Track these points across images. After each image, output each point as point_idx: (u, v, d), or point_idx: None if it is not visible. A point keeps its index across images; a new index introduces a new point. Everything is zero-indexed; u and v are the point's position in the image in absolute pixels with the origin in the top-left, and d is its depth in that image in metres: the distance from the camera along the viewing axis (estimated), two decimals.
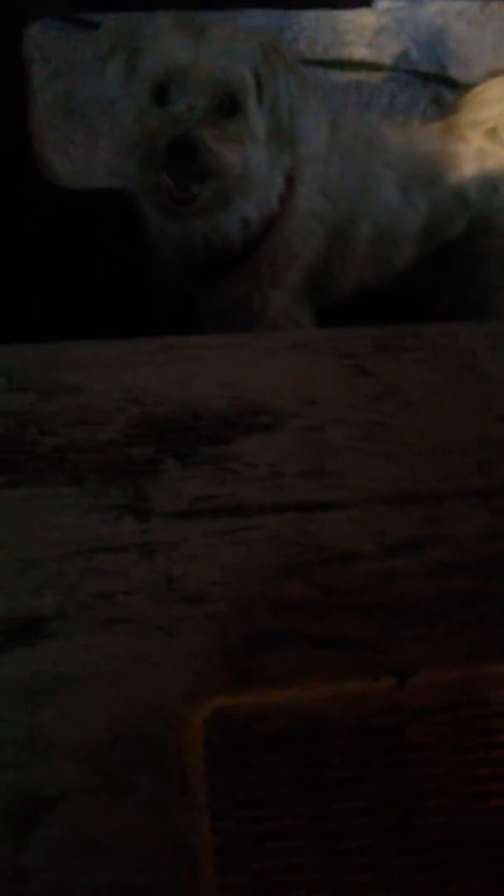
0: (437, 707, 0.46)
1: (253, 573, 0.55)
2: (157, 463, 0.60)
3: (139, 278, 1.45)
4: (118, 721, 0.48)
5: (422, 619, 0.53)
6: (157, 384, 0.64)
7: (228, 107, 0.98)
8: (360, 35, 1.99)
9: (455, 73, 1.92)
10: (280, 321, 1.23)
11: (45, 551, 0.55)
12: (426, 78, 1.85)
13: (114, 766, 0.46)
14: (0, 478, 0.58)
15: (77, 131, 1.69)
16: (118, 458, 0.60)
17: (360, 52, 1.94)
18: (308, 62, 1.84)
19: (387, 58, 1.93)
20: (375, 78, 1.88)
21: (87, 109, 1.36)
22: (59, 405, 0.62)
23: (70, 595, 0.53)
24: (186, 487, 0.59)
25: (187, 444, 0.61)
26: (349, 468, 0.61)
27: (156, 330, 1.37)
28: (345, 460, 0.61)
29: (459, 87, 1.83)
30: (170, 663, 0.51)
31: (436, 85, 1.85)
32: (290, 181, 1.11)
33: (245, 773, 0.45)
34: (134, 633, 0.52)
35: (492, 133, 1.27)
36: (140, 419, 0.62)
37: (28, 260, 1.67)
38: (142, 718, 0.48)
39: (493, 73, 1.65)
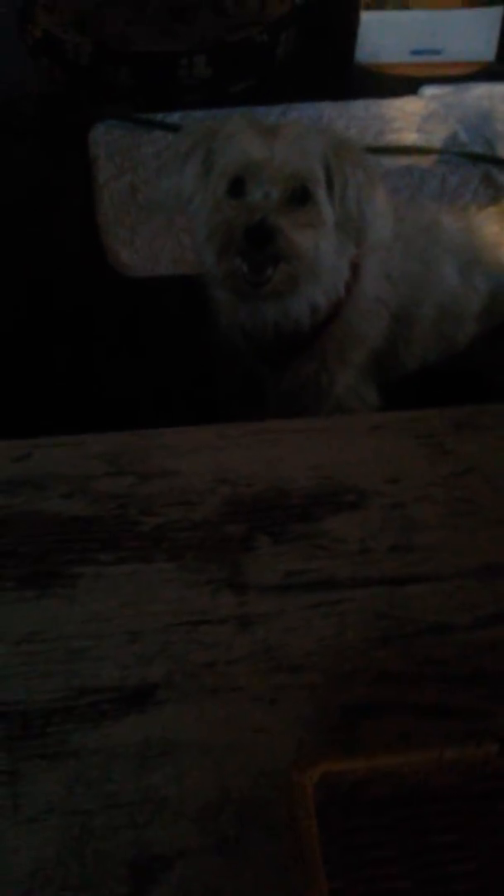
0: None
1: (348, 644, 0.58)
2: (251, 540, 0.64)
3: (204, 361, 1.52)
4: (227, 784, 0.51)
5: None
6: (246, 466, 0.68)
7: (301, 197, 1.05)
8: (409, 122, 2.08)
9: (503, 151, 1.99)
10: (346, 399, 1.27)
11: (151, 624, 0.59)
12: (475, 159, 1.93)
13: (226, 827, 0.49)
14: (106, 555, 0.63)
15: (141, 224, 1.79)
16: (214, 535, 0.64)
17: (409, 138, 2.03)
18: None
19: (436, 141, 2.01)
20: (426, 161, 1.96)
21: (151, 204, 1.45)
22: (156, 487, 0.67)
23: (176, 664, 0.56)
24: (279, 563, 0.62)
25: (278, 522, 0.65)
26: (435, 543, 0.64)
27: (221, 411, 1.43)
28: (431, 536, 0.64)
29: None
30: (273, 730, 0.53)
31: (485, 165, 1.92)
32: (356, 268, 1.17)
33: (353, 837, 0.47)
34: (237, 702, 0.55)
35: None
36: (232, 499, 0.66)
37: (100, 344, 1.76)
38: (249, 782, 0.51)
39: None
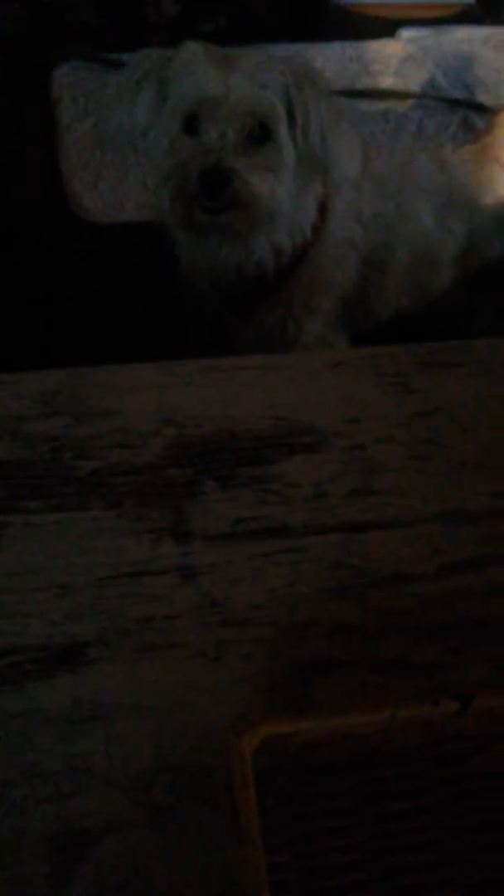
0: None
1: (301, 596, 0.52)
2: (196, 485, 0.58)
3: (171, 310, 1.45)
4: (163, 751, 0.46)
5: (485, 641, 0.50)
6: (195, 406, 0.63)
7: (259, 135, 0.98)
8: (386, 64, 1.99)
9: (483, 97, 1.91)
10: (315, 348, 1.21)
11: (83, 576, 0.53)
12: (454, 103, 1.85)
13: (160, 798, 0.44)
14: (36, 503, 0.57)
15: (106, 167, 1.71)
16: (156, 480, 0.58)
17: (386, 81, 1.94)
18: (336, 92, 1.86)
19: (413, 85, 1.93)
20: (403, 106, 1.87)
21: (116, 145, 1.37)
22: (94, 429, 0.61)
23: (110, 620, 0.51)
24: (227, 509, 0.57)
25: (227, 466, 0.59)
26: (398, 487, 0.58)
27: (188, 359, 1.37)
28: (394, 479, 0.59)
29: (487, 111, 1.83)
30: (216, 690, 0.48)
31: (463, 110, 1.85)
32: (324, 209, 1.11)
33: (300, 806, 0.42)
34: (177, 659, 0.50)
35: None
36: (177, 441, 0.60)
37: (62, 294, 1.69)
38: (188, 748, 0.46)
39: None
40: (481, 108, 1.89)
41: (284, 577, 0.53)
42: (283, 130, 0.98)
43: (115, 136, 1.11)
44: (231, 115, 0.96)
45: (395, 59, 2.04)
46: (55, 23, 2.09)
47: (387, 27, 2.17)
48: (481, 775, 0.43)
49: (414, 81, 1.98)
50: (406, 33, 2.15)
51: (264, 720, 0.42)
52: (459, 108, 1.90)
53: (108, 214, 1.66)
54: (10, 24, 2.18)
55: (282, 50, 2.02)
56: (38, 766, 0.46)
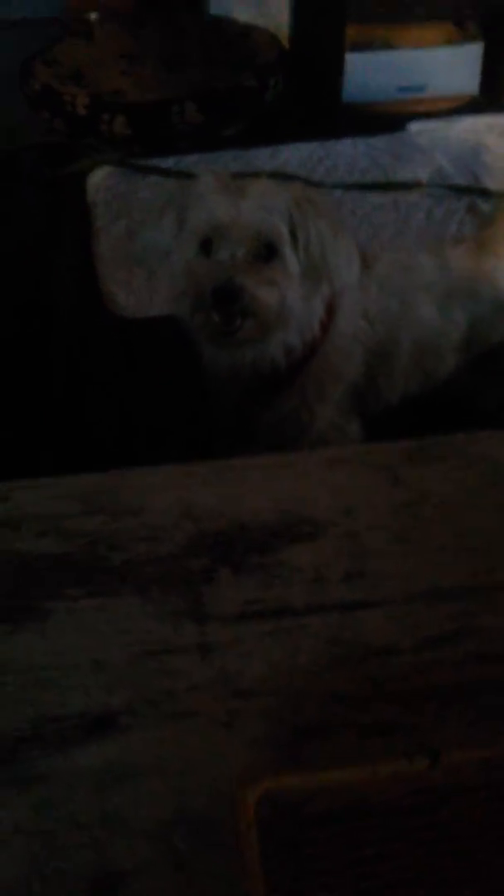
0: (470, 786, 0.51)
1: (301, 669, 0.61)
2: (212, 572, 0.67)
3: (198, 395, 1.57)
4: (183, 804, 0.54)
5: (455, 705, 0.58)
6: (211, 502, 0.72)
7: (266, 253, 1.12)
8: (396, 157, 2.14)
9: (489, 182, 2.04)
10: (328, 432, 1.32)
11: (116, 654, 0.62)
12: (460, 190, 1.98)
13: (180, 845, 0.52)
14: (77, 590, 0.67)
15: (137, 266, 1.85)
16: (177, 568, 0.68)
17: (396, 173, 2.08)
18: (347, 186, 1.99)
19: (422, 175, 2.06)
20: (412, 196, 2.01)
21: (144, 260, 1.51)
22: (125, 524, 0.71)
23: (139, 692, 0.60)
24: (239, 593, 0.66)
25: (238, 554, 0.68)
26: (386, 570, 0.67)
27: (216, 442, 1.48)
28: (382, 563, 0.68)
29: (493, 196, 1.95)
30: (228, 752, 0.57)
31: (470, 196, 1.97)
32: (331, 308, 1.22)
33: (296, 850, 0.50)
34: (196, 726, 0.58)
35: None
36: (196, 534, 0.70)
37: (95, 385, 1.81)
38: (204, 802, 0.54)
39: None
40: (487, 193, 2.02)
41: (287, 652, 0.62)
42: (287, 248, 1.12)
43: (144, 254, 1.25)
44: (241, 238, 1.10)
45: (404, 152, 2.18)
46: (89, 132, 2.28)
47: (396, 122, 2.33)
48: (448, 823, 0.50)
49: (422, 171, 2.12)
50: (414, 126, 2.31)
51: (266, 777, 0.50)
52: (466, 194, 2.03)
53: (139, 310, 1.80)
54: (50, 134, 2.38)
55: (298, 149, 2.19)
56: (78, 817, 0.54)
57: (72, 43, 2.45)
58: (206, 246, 1.11)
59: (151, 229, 1.18)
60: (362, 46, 2.35)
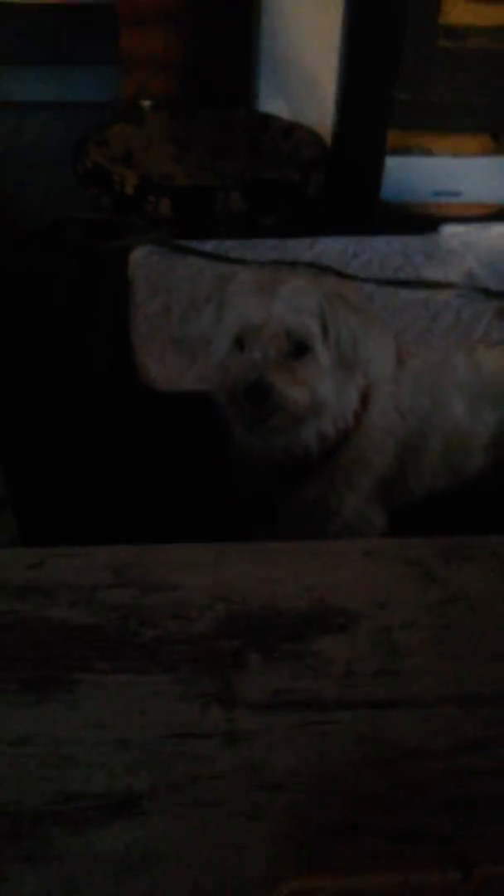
0: None
1: (329, 766, 0.60)
2: (243, 656, 0.67)
3: (222, 475, 1.58)
4: None
5: (488, 816, 0.56)
6: (243, 584, 0.72)
7: (298, 350, 1.15)
8: (428, 257, 2.20)
9: None
10: (354, 521, 1.32)
11: (142, 734, 0.61)
12: (490, 294, 2.02)
13: None
14: (105, 664, 0.66)
15: (172, 341, 1.89)
16: (208, 650, 0.67)
17: (427, 272, 2.14)
18: (380, 282, 2.05)
19: (453, 276, 2.12)
20: (442, 295, 2.06)
21: (185, 346, 1.55)
22: (157, 600, 0.71)
23: (162, 776, 0.59)
24: (269, 681, 0.65)
25: (270, 640, 0.68)
26: (419, 669, 0.66)
27: (235, 524, 1.48)
28: (415, 661, 0.67)
29: None
30: (251, 846, 0.55)
31: (498, 300, 2.02)
32: (365, 398, 1.24)
33: None
34: (219, 817, 0.57)
35: None
36: (227, 615, 0.70)
37: (122, 454, 1.83)
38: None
39: None
40: None
41: (315, 747, 0.61)
42: (318, 345, 1.15)
43: (185, 340, 1.29)
44: (272, 337, 1.13)
45: (436, 253, 2.25)
46: (135, 211, 2.36)
47: (430, 223, 2.40)
48: None
49: (453, 273, 2.18)
50: (448, 229, 2.38)
51: (293, 877, 0.49)
52: (495, 298, 2.08)
53: (171, 383, 1.83)
54: (97, 210, 2.47)
55: (334, 242, 2.25)
56: None
57: (124, 127, 2.57)
58: (241, 342, 1.15)
59: (193, 320, 1.22)
60: (402, 151, 2.45)
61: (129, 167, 2.35)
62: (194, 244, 2.17)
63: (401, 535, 1.36)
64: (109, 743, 0.60)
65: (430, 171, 2.46)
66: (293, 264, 1.98)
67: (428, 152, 2.44)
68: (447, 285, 2.09)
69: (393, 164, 2.43)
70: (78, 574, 0.73)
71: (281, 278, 1.19)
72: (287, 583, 0.73)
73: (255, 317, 1.15)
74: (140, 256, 2.16)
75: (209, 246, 2.16)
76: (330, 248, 2.18)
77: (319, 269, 1.98)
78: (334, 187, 2.45)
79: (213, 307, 1.20)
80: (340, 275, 1.97)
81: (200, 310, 1.22)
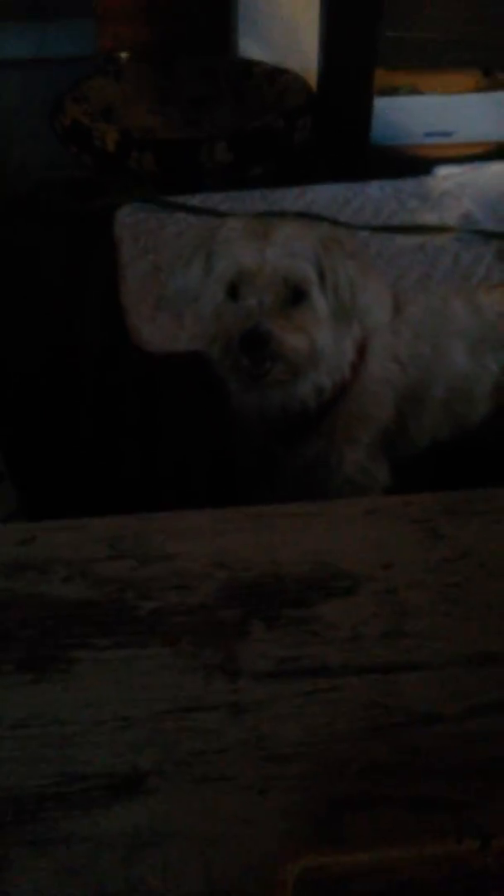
0: None
1: (338, 735, 0.58)
2: (245, 625, 0.65)
3: (222, 435, 1.55)
4: (213, 876, 0.51)
5: None
6: (244, 550, 0.70)
7: (295, 297, 1.10)
8: (423, 201, 2.14)
9: None
10: (356, 477, 1.29)
11: (144, 710, 0.59)
12: (488, 235, 1.97)
13: None
14: (103, 640, 0.64)
15: (163, 301, 1.84)
16: (209, 620, 0.65)
17: (423, 217, 2.08)
18: (374, 229, 1.99)
19: (449, 220, 2.06)
20: (439, 239, 2.00)
21: (173, 305, 1.50)
22: (155, 571, 0.68)
23: (167, 752, 0.57)
24: (273, 649, 0.63)
25: (273, 608, 0.66)
26: (428, 630, 0.64)
27: (241, 482, 1.46)
28: (424, 623, 0.65)
29: None
30: (261, 822, 0.53)
31: (498, 241, 1.96)
32: (362, 350, 1.21)
33: None
34: (226, 792, 0.55)
35: None
36: (228, 583, 0.67)
37: (120, 420, 1.80)
38: (235, 875, 0.51)
39: None
40: None
41: (324, 716, 0.59)
42: (315, 291, 1.10)
43: (173, 299, 1.24)
44: (267, 284, 1.08)
45: (431, 196, 2.19)
46: (118, 169, 2.30)
47: (423, 165, 2.34)
48: None
49: (450, 216, 2.12)
50: (442, 171, 2.31)
51: (305, 854, 0.47)
52: (494, 239, 2.02)
53: (165, 344, 1.79)
54: (78, 170, 2.40)
55: (325, 190, 2.19)
56: (102, 887, 0.51)
57: (102, 81, 2.49)
58: (234, 291, 1.10)
59: (179, 275, 1.17)
60: (390, 91, 2.37)
61: (110, 122, 2.28)
62: (181, 199, 2.11)
63: (405, 490, 1.34)
64: (111, 721, 0.58)
65: (420, 111, 2.39)
66: (283, 214, 1.93)
67: (417, 91, 2.37)
68: (444, 229, 2.03)
69: (381, 105, 2.35)
70: (71, 548, 0.70)
71: (273, 224, 1.15)
72: (288, 547, 0.70)
73: (250, 263, 1.10)
74: (126, 215, 2.10)
75: (196, 200, 2.10)
76: (321, 197, 2.12)
77: (311, 217, 1.93)
78: (322, 133, 2.38)
79: (202, 258, 1.15)
80: (334, 223, 1.92)
81: (188, 262, 1.18)
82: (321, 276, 1.10)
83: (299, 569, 0.68)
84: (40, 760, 0.56)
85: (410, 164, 2.35)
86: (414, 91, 2.36)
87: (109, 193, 2.21)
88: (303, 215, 1.93)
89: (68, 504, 1.55)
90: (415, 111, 2.38)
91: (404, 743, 0.58)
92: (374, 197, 2.15)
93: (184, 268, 1.15)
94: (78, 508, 1.39)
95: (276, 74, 2.45)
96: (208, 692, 0.60)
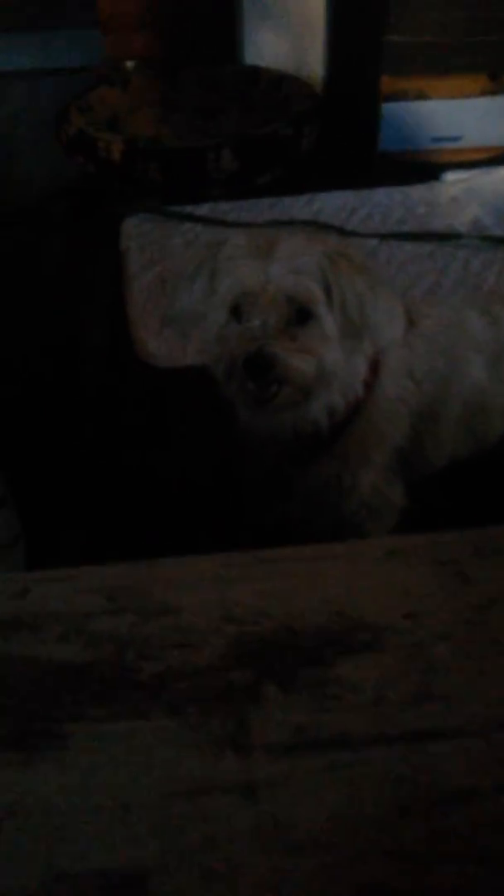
0: None
1: (362, 817, 0.52)
2: (258, 688, 0.58)
3: (230, 454, 1.49)
4: None
5: None
6: (253, 600, 0.64)
7: (300, 317, 1.04)
8: (431, 207, 2.08)
9: None
10: (371, 497, 1.23)
11: (146, 794, 0.53)
12: (498, 241, 1.91)
13: None
14: (100, 711, 0.58)
15: (168, 318, 1.78)
16: (217, 684, 0.59)
17: (432, 223, 2.02)
18: (383, 237, 1.93)
19: (458, 226, 2.00)
20: (448, 246, 1.94)
21: (178, 324, 1.45)
22: (157, 627, 0.62)
23: (172, 843, 0.51)
24: (288, 717, 0.57)
25: (287, 667, 0.59)
26: (458, 691, 0.58)
27: (247, 502, 1.40)
28: (453, 681, 0.58)
29: None
30: None
31: None
32: (375, 366, 1.14)
33: None
34: (239, 888, 0.49)
35: None
36: (238, 640, 0.61)
37: (124, 436, 1.75)
38: None
39: None
40: None
41: (345, 795, 0.53)
42: (321, 309, 1.04)
43: (177, 317, 1.18)
44: (271, 304, 1.03)
45: (439, 202, 2.13)
46: (124, 179, 2.25)
47: (431, 171, 2.28)
48: None
49: (459, 222, 2.05)
50: (450, 176, 2.25)
51: None
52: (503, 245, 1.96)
53: (171, 359, 1.73)
54: (83, 180, 2.36)
55: (332, 198, 2.13)
56: None
57: (108, 90, 2.44)
58: (238, 311, 1.04)
59: (184, 293, 1.11)
60: (397, 96, 2.31)
61: (115, 132, 2.24)
62: (188, 209, 2.06)
63: (422, 512, 1.28)
64: (108, 807, 0.52)
65: (427, 116, 2.33)
66: (291, 223, 1.87)
67: (424, 96, 2.31)
68: (453, 236, 1.97)
69: (389, 111, 2.29)
70: (66, 601, 0.64)
71: (277, 239, 1.08)
72: (303, 595, 0.64)
73: (252, 282, 1.04)
74: (132, 226, 2.05)
75: (204, 210, 2.04)
76: (329, 204, 2.06)
77: (318, 226, 1.87)
78: (329, 140, 2.33)
79: (205, 277, 1.09)
80: (342, 232, 1.86)
81: (192, 280, 1.12)
82: (328, 292, 1.04)
83: (315, 620, 0.62)
84: (28, 857, 0.50)
85: (418, 169, 2.29)
86: (421, 96, 2.30)
87: (115, 204, 2.16)
88: (311, 223, 1.87)
89: (70, 523, 1.50)
90: (422, 116, 2.32)
91: (435, 824, 0.51)
92: (383, 204, 2.09)
93: (187, 286, 1.10)
94: (80, 528, 1.33)
95: (282, 80, 2.40)
96: (218, 771, 0.54)
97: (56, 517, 1.50)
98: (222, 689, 0.58)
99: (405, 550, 0.68)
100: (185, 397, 1.69)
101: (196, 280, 1.09)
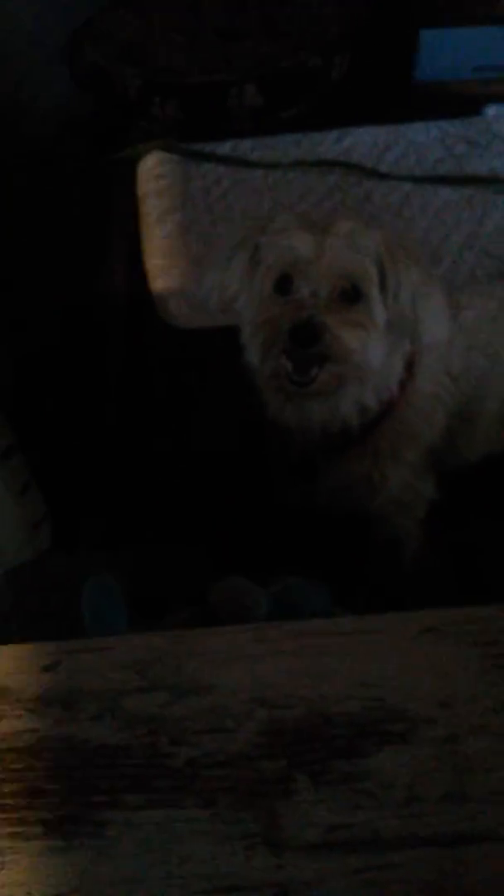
0: None
1: None
2: (289, 781, 0.59)
3: (254, 422, 1.47)
4: None
5: None
6: (286, 681, 0.64)
7: (351, 295, 0.99)
8: (472, 146, 1.96)
9: None
10: (401, 494, 1.21)
11: (179, 890, 0.55)
12: None
13: None
14: (136, 797, 0.59)
15: (192, 267, 1.72)
16: (249, 775, 0.59)
17: (471, 165, 1.92)
18: (417, 179, 1.83)
19: (500, 167, 1.89)
20: (489, 192, 1.84)
21: (208, 306, 1.38)
22: (189, 708, 0.63)
23: None
24: (320, 813, 0.57)
25: (320, 759, 0.60)
26: (494, 790, 0.58)
27: (272, 497, 1.38)
28: (488, 780, 0.58)
29: None
30: None
31: None
32: (411, 366, 1.11)
33: None
34: None
35: None
36: (270, 726, 0.61)
37: (148, 398, 1.72)
38: None
39: None
40: None
41: None
42: (374, 292, 0.99)
43: (208, 299, 1.13)
44: (324, 275, 0.98)
45: (480, 140, 2.01)
46: (142, 116, 2.14)
47: (472, 104, 2.14)
48: None
49: (500, 163, 1.94)
50: (491, 111, 2.12)
51: None
52: None
53: (193, 319, 1.68)
54: (94, 113, 2.25)
55: (364, 133, 2.02)
56: None
57: (123, 14, 2.29)
58: (284, 284, 0.99)
59: (219, 269, 1.06)
60: (436, 20, 2.15)
61: (131, 64, 2.11)
62: (210, 147, 1.96)
63: (450, 503, 1.26)
64: None
65: (469, 42, 2.17)
66: (319, 164, 1.78)
67: (466, 20, 2.15)
68: (494, 180, 1.87)
69: (426, 37, 2.14)
70: (98, 676, 0.65)
71: (333, 218, 1.03)
72: (336, 677, 0.64)
73: (306, 252, 0.98)
74: (149, 168, 1.95)
75: (226, 148, 1.94)
76: (360, 141, 1.95)
77: (347, 166, 1.78)
78: (361, 69, 2.19)
79: (246, 253, 1.04)
80: (374, 173, 1.76)
81: (228, 259, 1.07)
82: (382, 278, 1.00)
83: (349, 706, 0.62)
84: None
85: (458, 102, 2.16)
86: (462, 21, 2.14)
87: (131, 143, 2.06)
88: (340, 163, 1.78)
89: (92, 508, 1.50)
90: (464, 43, 2.17)
91: None
92: (418, 141, 1.97)
93: (226, 261, 1.04)
94: (101, 514, 1.32)
95: (311, 4, 2.24)
96: (250, 869, 0.55)
97: (79, 500, 1.49)
98: (254, 781, 0.59)
99: (441, 628, 0.67)
100: (208, 363, 1.65)
101: (236, 255, 1.03)
